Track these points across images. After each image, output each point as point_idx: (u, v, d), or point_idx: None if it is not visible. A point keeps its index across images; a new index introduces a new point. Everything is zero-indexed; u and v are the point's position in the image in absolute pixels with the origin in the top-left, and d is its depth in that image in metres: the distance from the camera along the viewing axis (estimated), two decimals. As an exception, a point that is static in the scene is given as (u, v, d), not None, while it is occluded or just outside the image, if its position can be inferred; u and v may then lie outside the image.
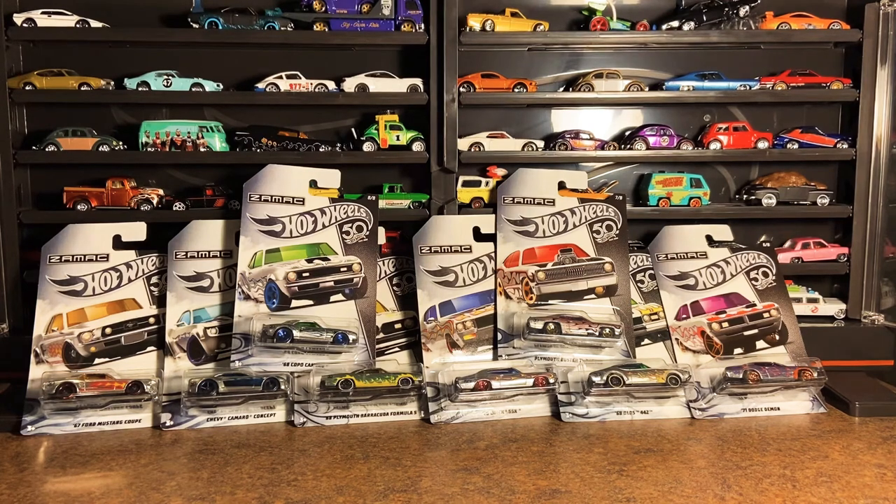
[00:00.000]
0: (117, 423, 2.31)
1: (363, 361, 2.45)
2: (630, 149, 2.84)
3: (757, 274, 2.68)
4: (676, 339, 2.58)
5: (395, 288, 2.64)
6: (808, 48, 2.95)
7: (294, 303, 2.47)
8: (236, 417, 2.35)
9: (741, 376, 2.41)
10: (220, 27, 2.71)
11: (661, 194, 2.85)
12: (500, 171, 2.81)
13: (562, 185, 2.72)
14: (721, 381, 2.43)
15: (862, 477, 1.97)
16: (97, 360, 2.41)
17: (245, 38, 2.73)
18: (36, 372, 2.36)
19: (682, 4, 2.91)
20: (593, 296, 2.59)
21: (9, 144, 2.65)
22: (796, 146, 2.87)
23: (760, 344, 2.57)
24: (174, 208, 2.72)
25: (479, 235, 2.65)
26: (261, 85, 2.75)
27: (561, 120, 3.00)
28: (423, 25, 2.74)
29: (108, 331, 2.44)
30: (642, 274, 2.68)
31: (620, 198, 2.71)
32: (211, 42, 2.76)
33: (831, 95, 2.86)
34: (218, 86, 2.75)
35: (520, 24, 2.80)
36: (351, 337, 2.43)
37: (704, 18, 2.81)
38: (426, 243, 2.60)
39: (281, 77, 2.76)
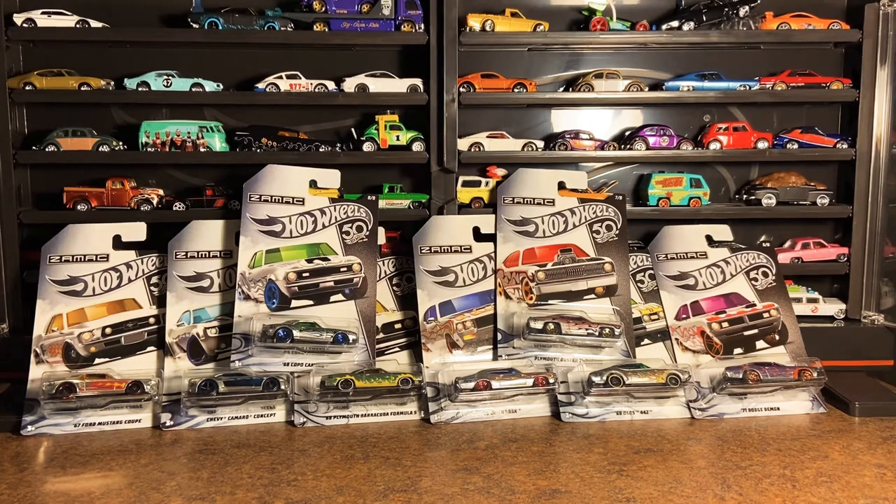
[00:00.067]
0: (117, 423, 2.31)
1: (363, 361, 2.45)
2: (630, 149, 2.84)
3: (757, 274, 2.68)
4: (676, 339, 2.58)
5: (395, 288, 2.64)
6: (808, 48, 2.95)
7: (294, 303, 2.47)
8: (236, 417, 2.35)
9: (741, 376, 2.41)
10: (220, 27, 2.71)
11: (660, 194, 2.85)
12: (500, 171, 2.81)
13: (562, 186, 2.72)
14: (721, 381, 2.43)
15: (862, 477, 1.98)
16: (97, 360, 2.41)
17: (245, 38, 2.73)
18: (36, 372, 2.36)
19: (682, 4, 2.91)
20: (593, 296, 2.59)
21: (9, 144, 2.65)
22: (796, 146, 2.87)
23: (760, 344, 2.57)
24: (174, 208, 2.72)
25: (479, 235, 2.65)
26: (261, 85, 2.75)
27: (561, 120, 3.00)
28: (423, 25, 2.74)
29: (108, 331, 2.44)
30: (642, 274, 2.68)
31: (620, 198, 2.71)
32: (211, 42, 2.76)
33: (831, 95, 2.86)
34: (218, 86, 2.75)
35: (520, 24, 2.80)
36: (351, 337, 2.43)
37: (704, 18, 2.81)
38: (426, 243, 2.60)
39: (281, 77, 2.76)
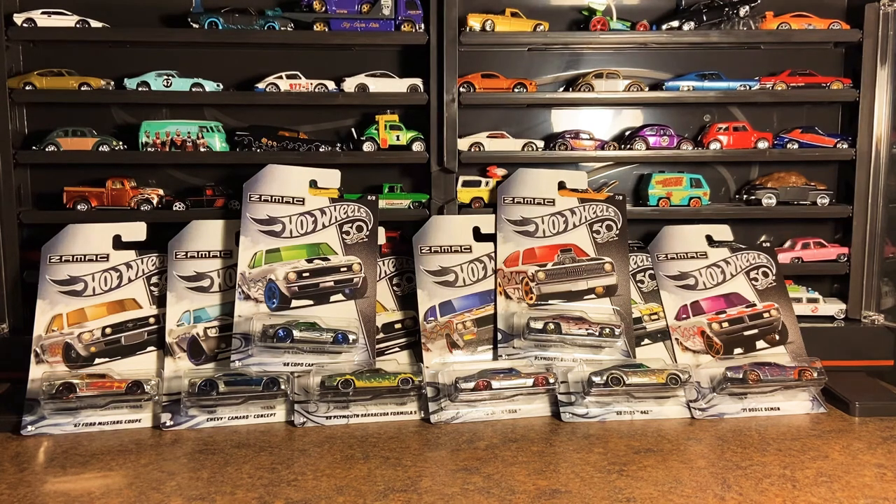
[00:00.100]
0: (117, 423, 2.31)
1: (363, 361, 2.45)
2: (630, 149, 2.84)
3: (757, 274, 2.68)
4: (676, 339, 2.58)
5: (395, 288, 2.64)
6: (808, 48, 2.95)
7: (294, 303, 2.47)
8: (236, 417, 2.35)
9: (741, 376, 2.41)
10: (220, 27, 2.71)
11: (661, 194, 2.85)
12: (500, 171, 2.81)
13: (562, 185, 2.72)
14: (721, 381, 2.43)
15: (862, 477, 1.98)
16: (97, 360, 2.41)
17: (245, 38, 2.73)
18: (36, 372, 2.36)
19: (682, 4, 2.91)
20: (593, 296, 2.59)
21: (9, 144, 2.65)
22: (796, 146, 2.87)
23: (760, 344, 2.57)
24: (174, 208, 2.72)
25: (479, 235, 2.65)
26: (261, 85, 2.75)
27: (561, 120, 3.00)
28: (423, 25, 2.74)
29: (108, 331, 2.44)
30: (642, 274, 2.68)
31: (620, 198, 2.71)
32: (211, 42, 2.76)
33: (831, 95, 2.86)
34: (218, 86, 2.75)
35: (520, 24, 2.80)
36: (351, 337, 2.43)
37: (704, 18, 2.81)
38: (426, 243, 2.60)
39: (281, 77, 2.76)
